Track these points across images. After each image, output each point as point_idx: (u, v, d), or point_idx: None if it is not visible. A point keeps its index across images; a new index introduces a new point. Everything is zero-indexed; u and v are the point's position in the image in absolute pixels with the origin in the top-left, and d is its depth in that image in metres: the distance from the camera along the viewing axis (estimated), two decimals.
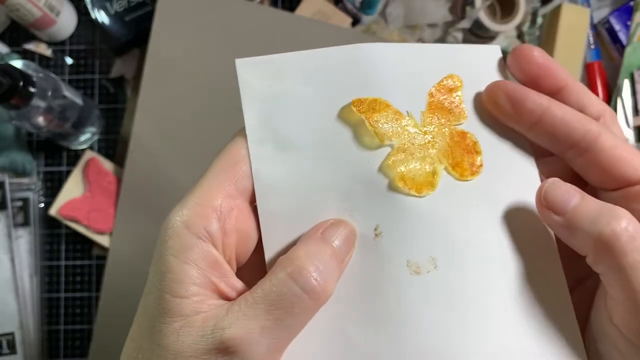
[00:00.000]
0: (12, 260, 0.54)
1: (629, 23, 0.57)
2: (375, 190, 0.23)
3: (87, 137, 0.57)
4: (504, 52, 0.58)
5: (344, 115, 0.23)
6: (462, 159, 0.24)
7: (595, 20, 0.59)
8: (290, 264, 0.20)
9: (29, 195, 0.56)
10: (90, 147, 0.58)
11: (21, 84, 0.44)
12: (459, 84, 0.24)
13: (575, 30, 0.54)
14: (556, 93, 0.23)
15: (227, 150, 0.22)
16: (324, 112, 0.23)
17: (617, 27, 0.57)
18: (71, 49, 0.60)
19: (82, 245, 0.57)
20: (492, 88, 0.23)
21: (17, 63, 0.47)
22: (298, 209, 0.22)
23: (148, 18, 0.56)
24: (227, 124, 0.54)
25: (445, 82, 0.24)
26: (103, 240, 0.55)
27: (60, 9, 0.56)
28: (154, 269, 0.21)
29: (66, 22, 0.58)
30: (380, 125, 0.23)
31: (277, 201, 0.22)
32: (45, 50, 0.59)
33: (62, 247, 0.57)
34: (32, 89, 0.46)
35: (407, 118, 0.24)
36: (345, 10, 0.58)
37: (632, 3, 0.58)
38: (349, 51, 0.24)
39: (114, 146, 0.58)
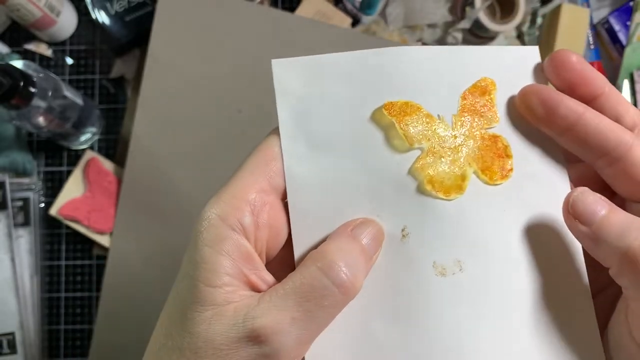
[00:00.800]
0: (13, 260, 0.54)
1: (628, 23, 0.57)
2: (404, 192, 0.23)
3: (87, 137, 0.57)
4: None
5: (376, 117, 0.24)
6: (492, 162, 0.24)
7: (595, 21, 0.59)
8: (321, 258, 0.20)
9: (30, 195, 0.56)
10: (91, 147, 0.58)
11: (22, 84, 0.44)
12: (493, 87, 0.24)
13: (574, 30, 0.54)
14: (592, 101, 0.23)
15: (261, 147, 0.23)
16: (356, 114, 0.24)
17: (616, 27, 0.57)
18: (71, 49, 0.60)
19: (82, 245, 0.57)
20: (526, 92, 0.23)
21: (18, 63, 0.47)
22: (327, 207, 0.23)
23: (148, 18, 0.56)
24: (227, 124, 0.55)
25: (478, 85, 0.25)
26: (103, 240, 0.55)
27: (60, 9, 0.56)
28: (188, 258, 0.21)
29: (66, 23, 0.58)
30: (411, 129, 0.24)
31: (308, 198, 0.23)
32: (45, 50, 0.59)
33: (62, 247, 0.57)
34: (32, 89, 0.46)
35: (438, 121, 0.24)
36: (345, 10, 0.58)
37: (631, 3, 0.58)
38: (384, 54, 0.24)
39: (114, 146, 0.58)
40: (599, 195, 0.21)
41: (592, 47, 0.58)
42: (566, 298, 0.23)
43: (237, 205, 0.21)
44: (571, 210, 0.21)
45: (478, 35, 0.58)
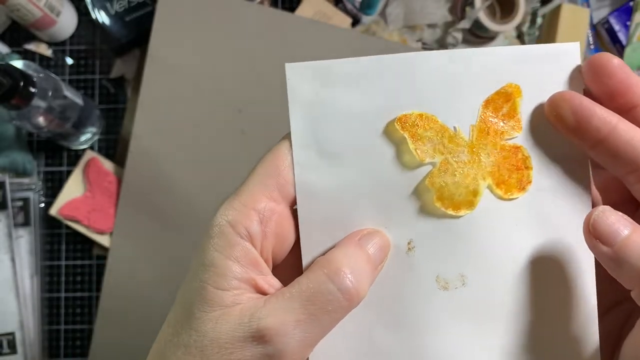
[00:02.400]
0: (13, 260, 0.54)
1: (628, 23, 0.57)
2: (412, 207, 0.23)
3: (87, 137, 0.57)
4: None
5: (389, 130, 0.23)
6: (509, 175, 0.23)
7: (595, 21, 0.59)
8: (327, 264, 0.21)
9: (30, 195, 0.56)
10: (91, 147, 0.58)
11: (22, 84, 0.44)
12: (517, 94, 0.23)
13: (574, 30, 0.54)
14: (629, 111, 0.21)
15: (272, 154, 0.23)
16: (369, 124, 0.23)
17: (616, 27, 0.57)
18: (71, 49, 0.60)
19: (82, 245, 0.57)
20: (557, 99, 0.22)
21: (18, 63, 0.47)
22: (336, 217, 0.23)
23: (148, 18, 0.56)
24: (227, 124, 0.55)
25: (502, 92, 0.23)
26: (103, 240, 0.55)
27: (60, 9, 0.56)
28: (197, 261, 0.22)
29: (66, 23, 0.58)
30: (423, 143, 0.23)
31: (317, 207, 0.23)
32: (45, 50, 0.59)
33: (62, 247, 0.57)
34: (32, 89, 0.46)
35: (454, 133, 0.23)
36: (345, 10, 0.58)
37: (631, 3, 0.58)
38: (400, 60, 0.23)
39: (114, 146, 0.58)
40: (621, 214, 0.20)
41: (592, 47, 0.58)
42: (571, 320, 0.23)
43: (247, 213, 0.21)
44: (592, 230, 0.20)
45: (478, 35, 0.58)
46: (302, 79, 0.24)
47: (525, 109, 0.23)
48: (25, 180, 0.57)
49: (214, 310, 0.20)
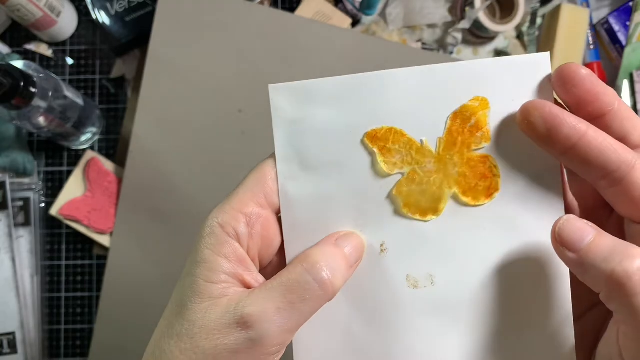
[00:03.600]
0: (13, 259, 0.55)
1: (628, 23, 0.57)
2: (385, 212, 0.26)
3: (87, 137, 0.57)
4: (505, 53, 0.58)
5: (363, 143, 0.26)
6: (476, 183, 0.25)
7: (595, 21, 0.59)
8: (306, 259, 0.23)
9: (30, 195, 0.57)
10: (91, 147, 0.58)
11: (22, 84, 0.44)
12: (485, 106, 0.24)
13: (574, 30, 0.54)
14: (598, 118, 0.22)
15: (260, 167, 0.26)
16: (346, 138, 0.26)
17: (616, 27, 0.57)
18: (72, 50, 0.60)
19: (82, 245, 0.57)
20: (528, 108, 0.22)
21: (18, 63, 0.47)
22: (317, 222, 0.26)
23: (148, 18, 0.56)
24: (227, 124, 0.55)
25: (469, 105, 0.24)
26: (103, 240, 0.55)
27: (60, 10, 0.56)
28: (191, 259, 0.24)
29: (67, 23, 0.58)
30: (392, 155, 0.25)
31: (299, 214, 0.26)
32: (46, 50, 0.59)
33: (62, 246, 0.57)
34: (33, 89, 0.46)
35: (421, 146, 0.25)
36: (345, 10, 0.58)
37: (631, 3, 0.58)
38: (372, 78, 0.25)
39: (114, 146, 0.59)
40: (585, 221, 0.21)
41: (591, 47, 0.58)
42: (547, 322, 0.24)
43: (235, 216, 0.24)
44: (558, 238, 0.21)
45: (478, 35, 0.58)
46: (284, 99, 0.26)
47: (495, 119, 0.24)
48: (26, 180, 0.57)
49: (203, 302, 0.23)
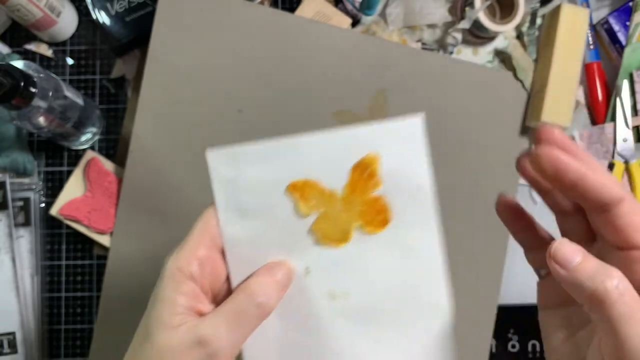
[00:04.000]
0: (13, 259, 0.55)
1: (628, 23, 0.58)
2: (307, 243, 0.33)
3: (87, 137, 0.57)
4: (505, 53, 0.58)
5: (287, 192, 0.33)
6: (373, 217, 0.33)
7: (595, 21, 0.60)
8: (245, 288, 0.30)
9: (30, 195, 0.57)
10: (91, 147, 0.58)
11: (22, 84, 0.44)
12: (375, 160, 0.32)
13: (574, 30, 0.54)
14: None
15: (205, 216, 0.32)
16: (272, 189, 0.33)
17: (616, 27, 0.58)
18: (72, 50, 0.60)
19: (82, 245, 0.57)
20: (538, 155, 0.26)
21: (18, 63, 0.47)
22: (254, 255, 0.32)
23: (149, 18, 0.56)
24: (227, 124, 0.55)
25: (363, 161, 0.32)
26: (104, 240, 0.55)
27: (61, 10, 0.57)
28: (154, 296, 0.30)
29: (67, 23, 0.58)
30: (309, 200, 0.33)
31: (239, 251, 0.32)
32: (46, 50, 0.59)
33: (62, 246, 0.57)
34: (33, 90, 0.46)
35: (331, 192, 0.33)
36: (345, 11, 0.58)
37: (631, 3, 0.58)
38: (293, 143, 0.33)
39: (114, 146, 0.59)
40: (575, 245, 0.25)
41: (591, 47, 0.58)
42: (427, 318, 0.33)
43: (190, 260, 0.29)
44: (553, 257, 0.25)
45: (478, 35, 0.58)
46: (220, 162, 0.33)
47: (386, 168, 0.32)
48: (26, 180, 0.57)
49: (167, 330, 0.28)
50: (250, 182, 0.33)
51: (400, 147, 0.33)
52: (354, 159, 0.33)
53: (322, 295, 0.33)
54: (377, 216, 0.33)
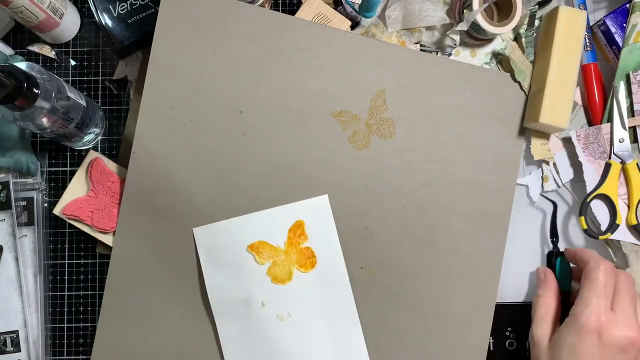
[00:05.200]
0: (17, 259, 0.55)
1: (624, 25, 0.58)
2: (264, 283, 0.53)
3: (90, 137, 0.57)
4: (503, 55, 0.59)
5: (247, 250, 0.53)
6: (305, 262, 0.53)
7: (592, 22, 0.60)
8: None
9: (33, 194, 0.57)
10: (94, 148, 0.59)
11: (25, 85, 0.45)
12: (302, 224, 0.53)
13: (572, 32, 0.54)
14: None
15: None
16: (238, 249, 0.53)
17: (613, 29, 0.58)
18: (74, 51, 0.60)
19: (85, 244, 0.58)
20: (572, 252, 0.54)
21: (22, 65, 0.48)
22: (228, 292, 0.53)
23: (151, 20, 0.57)
24: (229, 125, 0.55)
25: (294, 226, 0.53)
26: (106, 239, 0.56)
27: (63, 11, 0.57)
28: None
29: (70, 24, 0.59)
30: (263, 254, 0.53)
31: (219, 294, 0.54)
32: (49, 52, 0.60)
33: (65, 246, 0.58)
34: (36, 91, 0.46)
35: (277, 248, 0.53)
36: (345, 13, 0.59)
37: (628, 5, 0.58)
38: (247, 218, 0.53)
39: (117, 147, 0.59)
40: (588, 250, 0.53)
41: (588, 48, 0.59)
42: (343, 325, 0.53)
43: None
44: (578, 253, 0.53)
45: (476, 37, 0.58)
46: (203, 235, 0.53)
47: (310, 228, 0.53)
48: (29, 180, 0.58)
49: None
50: (223, 246, 0.52)
51: (316, 214, 0.53)
52: (289, 224, 0.53)
53: (273, 319, 0.52)
54: (308, 260, 0.53)
